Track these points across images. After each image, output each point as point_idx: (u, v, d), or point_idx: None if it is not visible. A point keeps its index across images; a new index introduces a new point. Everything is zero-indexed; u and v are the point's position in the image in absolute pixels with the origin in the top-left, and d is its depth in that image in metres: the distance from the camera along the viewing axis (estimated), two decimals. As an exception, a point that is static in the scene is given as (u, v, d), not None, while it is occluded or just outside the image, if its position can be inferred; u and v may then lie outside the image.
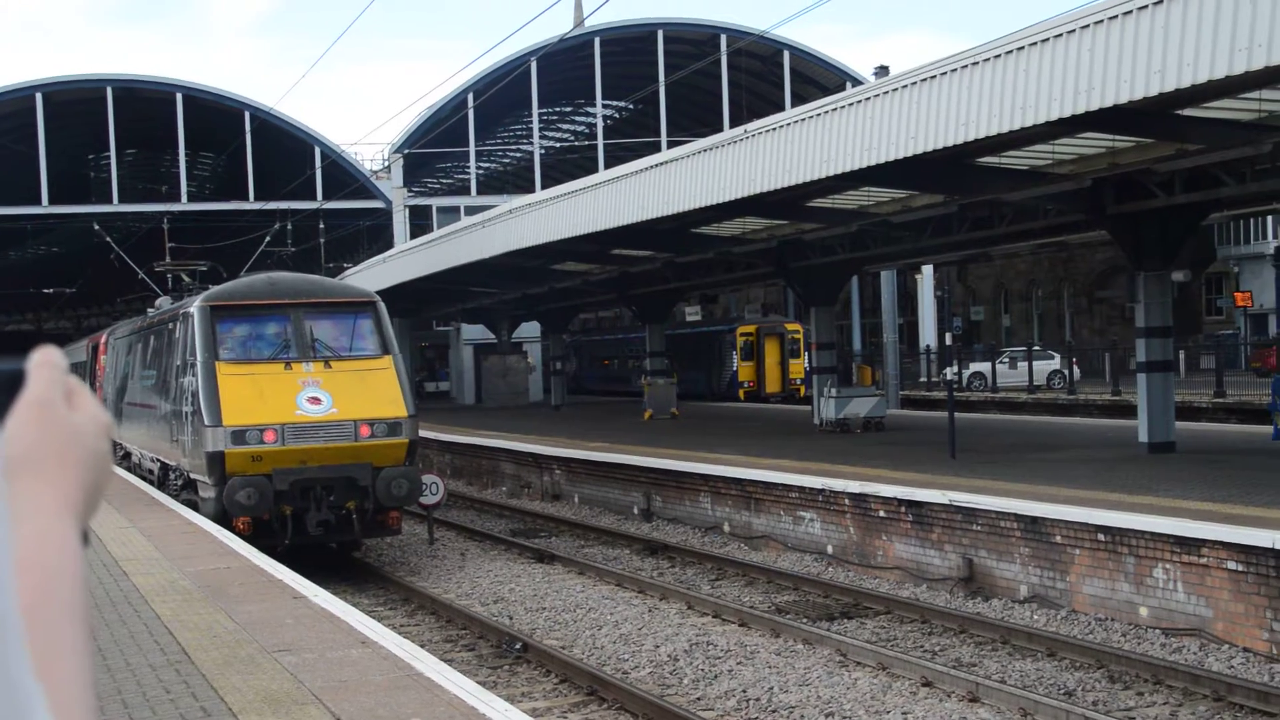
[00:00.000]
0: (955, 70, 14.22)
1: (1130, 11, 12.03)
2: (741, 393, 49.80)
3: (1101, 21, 12.36)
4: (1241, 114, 15.21)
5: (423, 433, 22.66)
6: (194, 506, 19.36)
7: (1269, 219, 58.59)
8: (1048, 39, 12.99)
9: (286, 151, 54.51)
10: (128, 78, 54.29)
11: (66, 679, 1.05)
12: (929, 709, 10.93)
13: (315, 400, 18.00)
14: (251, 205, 52.40)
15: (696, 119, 56.12)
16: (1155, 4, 11.75)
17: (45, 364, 1.15)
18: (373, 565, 19.94)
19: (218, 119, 53.74)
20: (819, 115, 16.35)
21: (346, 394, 18.18)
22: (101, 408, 1.18)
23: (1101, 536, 13.87)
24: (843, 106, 16.14)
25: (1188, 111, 14.94)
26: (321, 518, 17.87)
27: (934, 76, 14.40)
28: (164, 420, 21.44)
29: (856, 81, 49.84)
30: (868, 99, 15.70)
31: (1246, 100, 14.60)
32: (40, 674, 1.04)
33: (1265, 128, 15.20)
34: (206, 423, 17.92)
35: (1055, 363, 49.63)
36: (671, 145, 40.23)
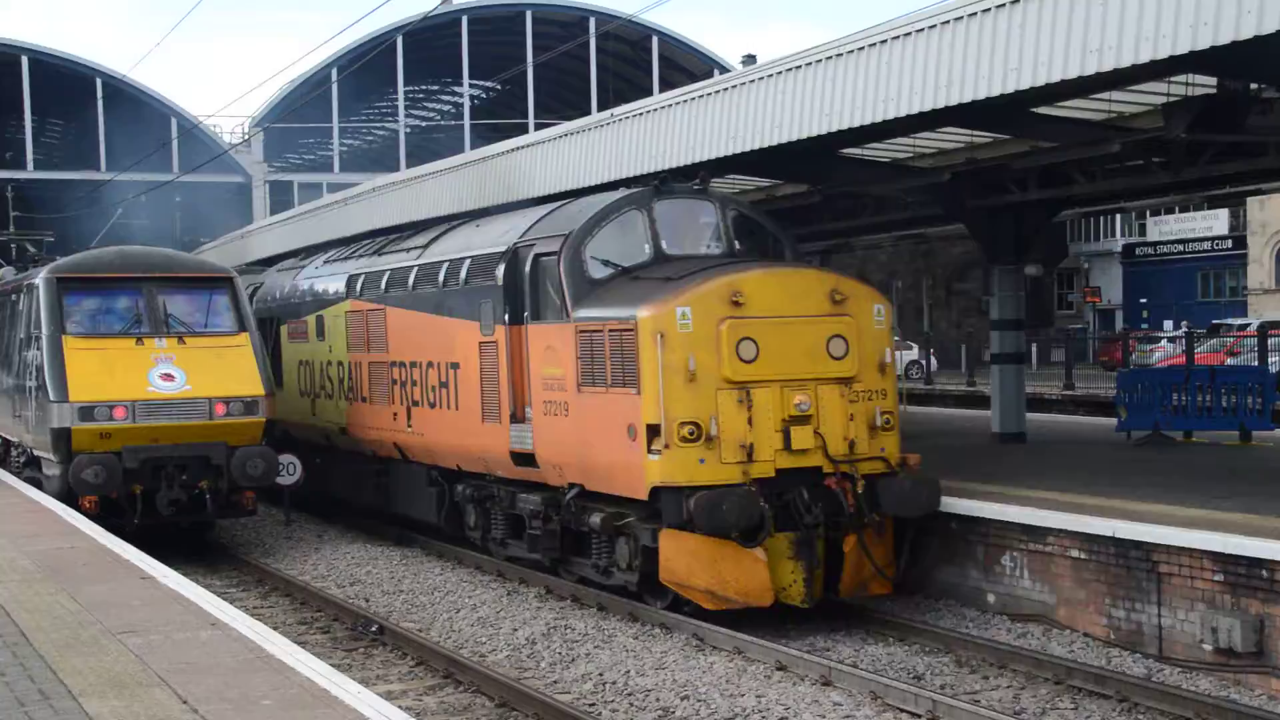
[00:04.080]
0: (820, 61, 14.35)
1: (989, 9, 12.26)
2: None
3: (961, 19, 12.57)
4: (1093, 114, 15.60)
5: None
6: (37, 484, 18.82)
7: (1117, 217, 60.37)
8: (910, 33, 13.17)
9: (141, 121, 53.15)
10: (-29, 39, 52.44)
11: None
12: (783, 692, 11.08)
13: (168, 377, 17.62)
14: (103, 175, 50.98)
15: (565, 101, 56.02)
16: (1011, 3, 11.99)
17: None
18: (226, 546, 19.59)
19: (67, 84, 52.20)
20: (685, 101, 16.40)
21: (201, 371, 17.84)
22: None
23: (953, 525, 14.17)
24: (709, 94, 16.20)
25: (1043, 110, 15.27)
26: (173, 497, 17.51)
27: (799, 67, 14.52)
28: (5, 395, 20.81)
29: (724, 69, 50.22)
30: (734, 87, 15.78)
31: (1098, 100, 14.97)
32: None
33: (1115, 128, 15.62)
34: (52, 398, 17.42)
35: (914, 353, 50.57)
36: (539, 127, 40.10)
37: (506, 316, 15.39)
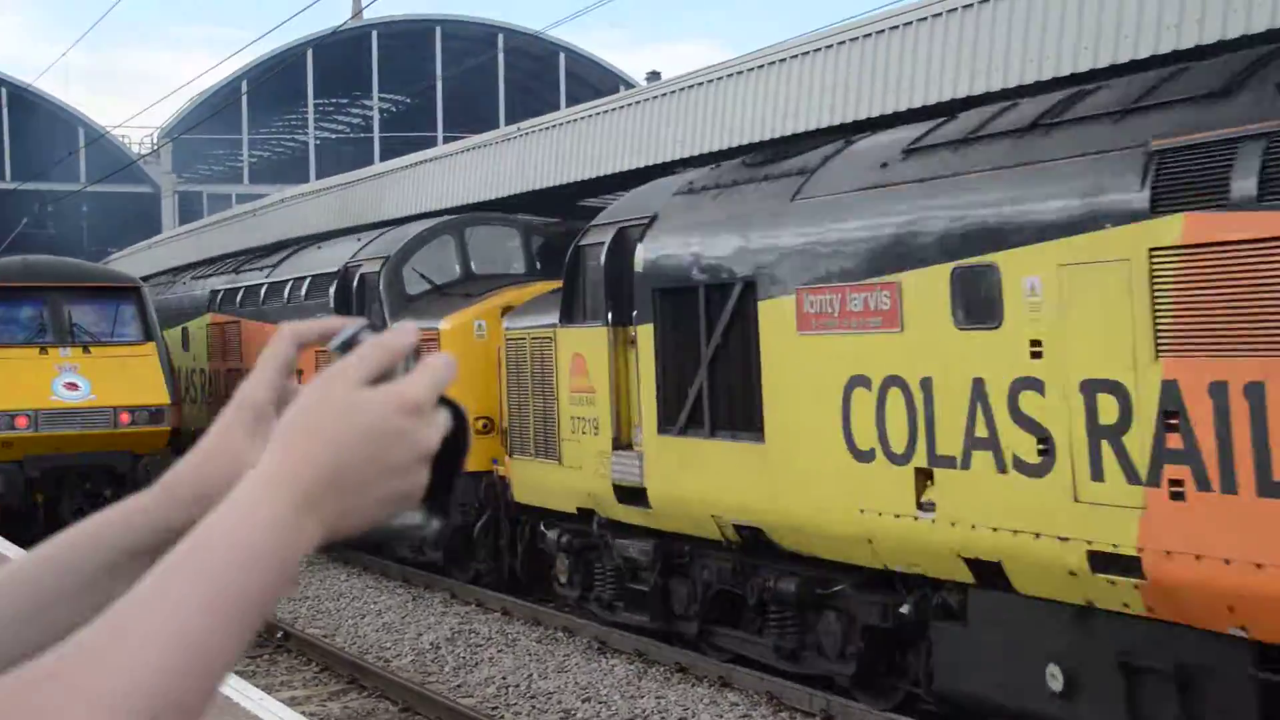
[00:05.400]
0: (724, 78, 14.69)
1: (883, 31, 12.66)
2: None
3: (857, 39, 12.96)
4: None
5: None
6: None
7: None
8: (809, 52, 13.53)
9: (47, 131, 52.44)
10: None
11: (100, 652, 0.94)
12: (682, 693, 11.31)
13: (73, 386, 17.59)
14: (7, 185, 50.21)
15: (474, 115, 56.11)
16: (905, 25, 12.41)
17: (372, 341, 1.11)
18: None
19: (-30, 93, 51.41)
20: (591, 116, 16.68)
21: (106, 380, 17.81)
22: (420, 388, 1.09)
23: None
24: (615, 108, 16.50)
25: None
26: (76, 506, 17.45)
27: (701, 84, 14.86)
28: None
29: (629, 85, 50.61)
30: (639, 102, 16.09)
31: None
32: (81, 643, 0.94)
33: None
34: (-46, 408, 17.24)
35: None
36: (448, 140, 40.21)
37: None
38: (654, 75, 38.19)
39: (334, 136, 65.56)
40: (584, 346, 12.64)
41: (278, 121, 64.53)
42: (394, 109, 62.55)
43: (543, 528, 13.94)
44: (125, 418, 17.73)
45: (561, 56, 55.98)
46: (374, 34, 54.14)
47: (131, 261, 36.55)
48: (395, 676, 11.95)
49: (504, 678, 12.04)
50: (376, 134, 56.59)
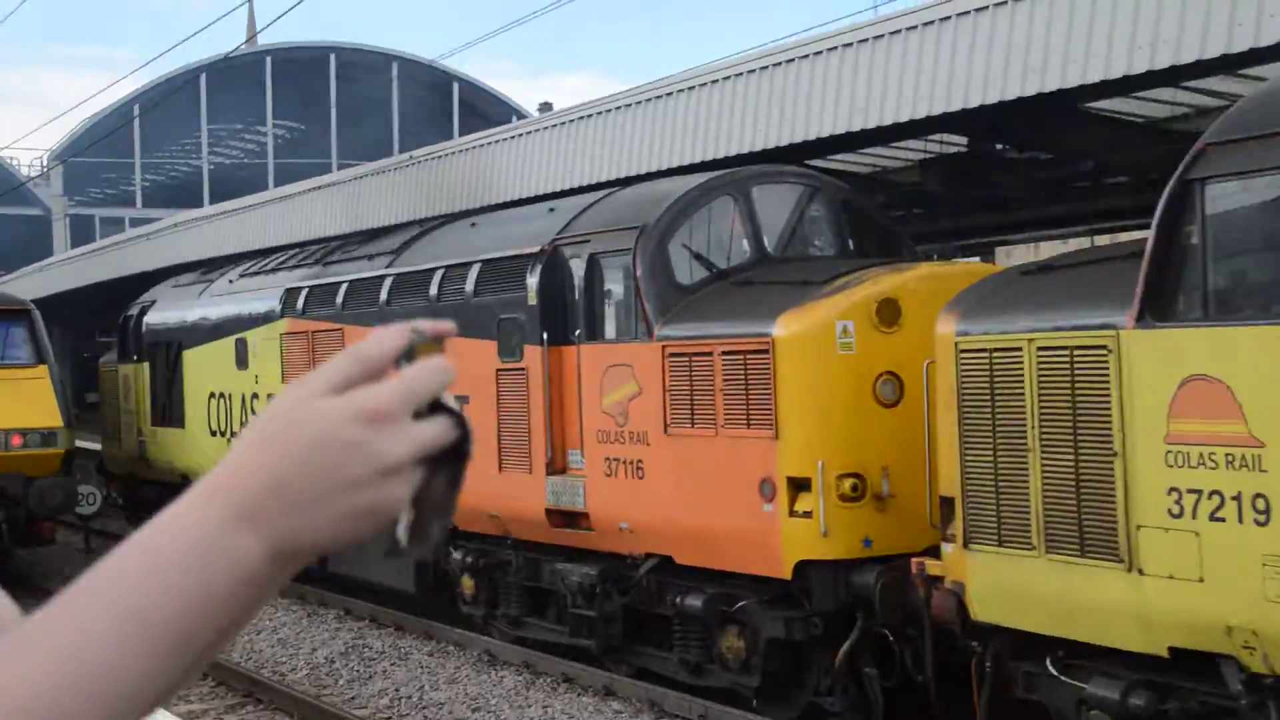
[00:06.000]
0: (613, 110, 15.18)
1: (766, 68, 13.27)
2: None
3: (742, 74, 13.57)
4: (860, 168, 16.70)
5: (81, 443, 22.05)
6: None
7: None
8: (690, 88, 14.11)
9: (-69, 152, 51.65)
10: None
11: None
12: (568, 703, 11.70)
13: (-39, 410, 17.59)
14: (-110, 207, 49.37)
15: (370, 142, 56.33)
16: (787, 62, 13.03)
17: (350, 348, 1.04)
18: (25, 576, 19.47)
19: None
20: (482, 146, 17.07)
21: None
22: (384, 396, 1.00)
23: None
24: (505, 139, 16.94)
25: (816, 162, 16.41)
26: (-33, 529, 17.47)
27: (590, 115, 15.35)
28: None
29: (521, 115, 51.20)
30: (529, 133, 16.54)
31: (865, 155, 16.10)
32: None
33: (879, 181, 16.80)
34: None
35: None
36: (342, 167, 40.39)
37: None
38: (546, 106, 38.79)
39: (228, 162, 65.24)
40: (1220, 364, 6.93)
41: (172, 145, 64.09)
42: (288, 135, 62.45)
43: (1050, 668, 8.01)
44: (17, 440, 17.76)
45: (456, 86, 56.40)
46: (268, 60, 54.11)
47: (22, 285, 36.20)
48: (291, 690, 12.24)
49: (397, 690, 12.36)
50: (271, 160, 56.48)
